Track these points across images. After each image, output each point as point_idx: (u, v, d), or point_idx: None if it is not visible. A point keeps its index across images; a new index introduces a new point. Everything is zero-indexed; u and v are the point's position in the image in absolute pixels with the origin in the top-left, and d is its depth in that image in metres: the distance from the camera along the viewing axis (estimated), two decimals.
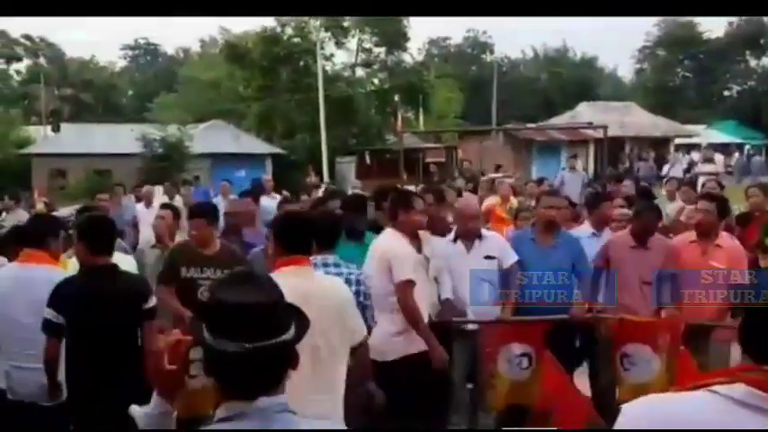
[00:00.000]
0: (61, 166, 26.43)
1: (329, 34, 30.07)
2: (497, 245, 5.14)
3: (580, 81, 51.86)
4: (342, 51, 31.72)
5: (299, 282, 2.86)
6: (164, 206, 6.83)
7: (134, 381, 3.66)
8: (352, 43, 31.78)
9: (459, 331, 4.94)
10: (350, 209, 5.24)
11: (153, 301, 3.78)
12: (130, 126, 27.50)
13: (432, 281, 4.77)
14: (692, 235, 5.26)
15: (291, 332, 1.60)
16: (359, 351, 3.35)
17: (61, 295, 3.56)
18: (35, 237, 4.10)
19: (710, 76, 48.70)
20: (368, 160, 26.82)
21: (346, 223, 5.11)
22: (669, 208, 8.50)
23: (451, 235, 5.20)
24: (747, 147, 34.17)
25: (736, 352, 4.78)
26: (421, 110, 31.62)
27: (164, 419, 1.79)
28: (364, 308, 3.67)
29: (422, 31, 58.11)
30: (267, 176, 14.55)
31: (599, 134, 21.62)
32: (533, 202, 6.93)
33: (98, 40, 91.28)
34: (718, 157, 23.68)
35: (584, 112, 31.70)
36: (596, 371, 5.29)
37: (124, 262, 4.41)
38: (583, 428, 4.56)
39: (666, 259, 5.04)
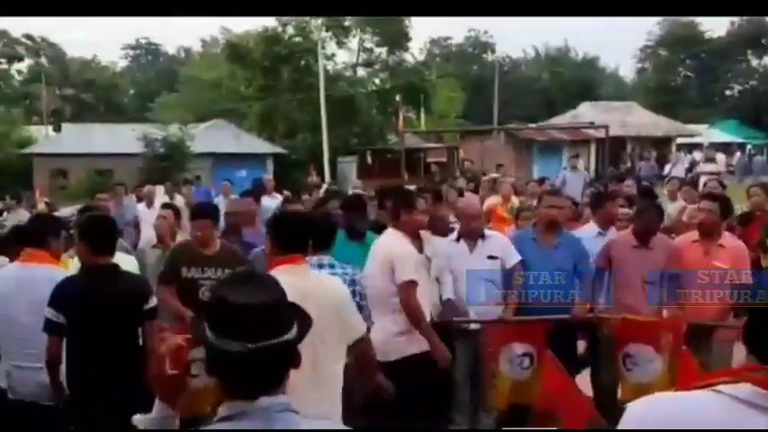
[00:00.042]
0: (62, 165, 26.46)
1: (330, 34, 30.08)
2: (500, 245, 5.12)
3: (582, 81, 51.86)
4: (343, 51, 31.81)
5: (296, 280, 2.85)
6: (165, 206, 6.83)
7: (134, 381, 3.66)
8: (353, 43, 31.84)
9: (461, 331, 4.94)
10: (349, 209, 5.24)
11: (154, 302, 3.77)
12: (132, 126, 27.54)
13: (433, 281, 4.76)
14: (694, 235, 5.25)
15: (294, 332, 1.60)
16: (360, 345, 3.35)
17: (62, 295, 3.55)
18: (36, 236, 4.09)
19: (712, 75, 48.69)
20: (369, 160, 26.81)
21: (346, 223, 5.12)
22: (671, 208, 8.49)
23: (454, 235, 5.19)
24: (749, 146, 34.16)
25: (738, 352, 4.78)
26: (422, 110, 31.61)
27: (166, 424, 1.79)
28: (360, 308, 3.66)
29: (423, 30, 58.08)
30: (268, 176, 14.56)
31: (600, 134, 21.62)
32: (535, 202, 6.93)
33: (99, 40, 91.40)
34: (720, 157, 23.68)
35: (586, 111, 31.68)
36: (598, 370, 5.28)
37: (126, 262, 4.41)
38: (584, 428, 4.56)
39: (669, 259, 5.03)
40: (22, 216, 8.94)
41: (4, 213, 10.51)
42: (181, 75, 48.64)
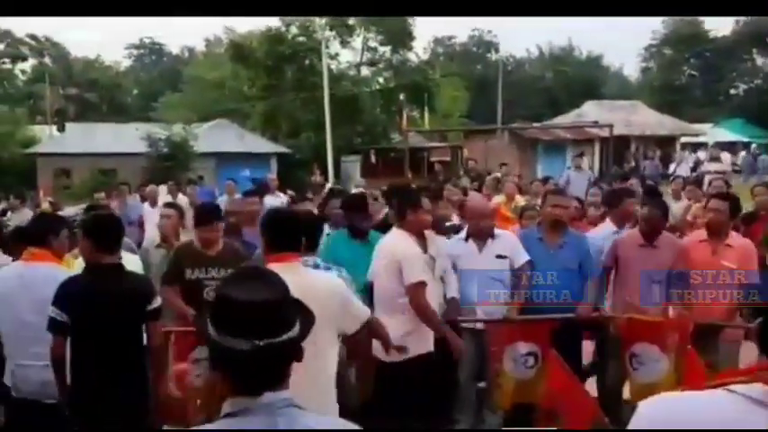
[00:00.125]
0: (66, 165, 26.51)
1: (334, 33, 30.08)
2: (510, 244, 5.09)
3: (586, 80, 51.81)
4: (347, 50, 31.80)
5: (291, 278, 2.84)
6: (168, 205, 6.82)
7: (138, 381, 3.66)
8: (357, 42, 31.83)
9: (466, 330, 4.92)
10: (350, 208, 5.22)
11: (157, 302, 3.76)
12: (135, 125, 27.58)
13: (438, 280, 4.74)
14: (702, 234, 5.22)
15: (297, 329, 1.60)
16: (369, 327, 3.35)
17: (66, 294, 3.54)
18: (36, 235, 4.10)
19: (717, 74, 48.58)
20: (373, 159, 26.83)
21: (348, 223, 5.10)
22: (675, 207, 8.45)
23: (463, 234, 5.17)
24: (753, 145, 34.06)
25: (745, 352, 4.77)
26: (426, 109, 31.58)
27: None
28: None
29: (427, 29, 58.53)
30: (272, 175, 14.54)
31: (605, 133, 21.62)
32: (539, 201, 6.90)
33: (103, 40, 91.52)
34: (726, 156, 23.63)
35: (590, 110, 31.66)
36: (604, 370, 5.26)
37: (130, 262, 4.40)
38: (589, 428, 4.54)
39: (676, 258, 5.00)
40: (25, 215, 8.96)
41: (9, 213, 10.54)
42: (184, 74, 48.70)
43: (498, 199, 9.28)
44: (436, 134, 30.95)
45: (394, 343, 3.94)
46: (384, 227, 5.06)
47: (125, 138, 25.53)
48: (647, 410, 1.42)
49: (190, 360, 4.32)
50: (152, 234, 7.18)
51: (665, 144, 30.49)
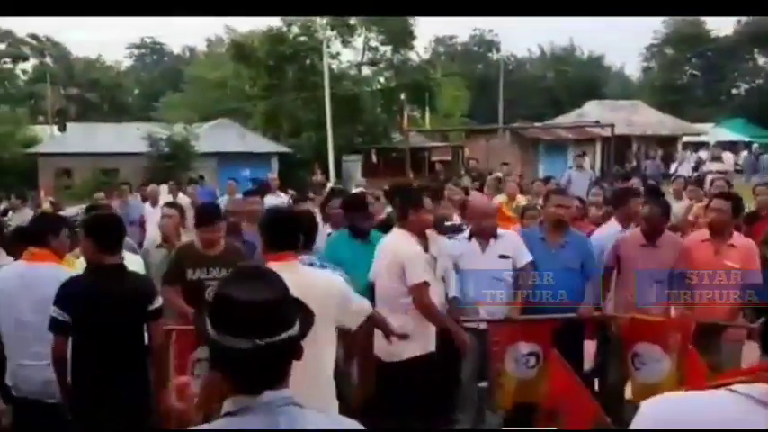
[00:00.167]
0: (67, 165, 26.49)
1: (335, 33, 30.08)
2: (513, 244, 5.08)
3: (587, 79, 51.77)
4: (348, 50, 31.76)
5: (290, 277, 2.84)
6: (169, 205, 6.82)
7: (139, 381, 3.66)
8: (358, 42, 31.82)
9: (468, 330, 4.91)
10: (350, 208, 5.21)
11: (159, 302, 3.76)
12: (136, 125, 27.56)
13: (439, 280, 4.74)
14: (704, 234, 5.21)
15: (297, 327, 1.61)
16: (370, 321, 3.37)
17: (68, 294, 3.54)
18: (36, 235, 4.11)
19: (718, 74, 48.55)
20: (374, 159, 26.80)
21: (348, 223, 5.09)
22: (676, 206, 8.43)
23: (466, 233, 5.16)
24: (755, 145, 34.03)
25: (748, 352, 4.76)
26: (427, 108, 31.55)
27: None
28: None
29: (428, 29, 58.20)
30: (273, 175, 14.53)
31: (606, 133, 21.61)
32: (540, 201, 6.89)
33: (104, 40, 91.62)
34: (728, 156, 23.59)
35: (592, 110, 31.63)
36: (605, 370, 5.25)
37: (132, 261, 4.40)
38: (590, 428, 4.53)
39: (678, 257, 4.99)
40: (27, 215, 8.96)
41: (10, 213, 10.55)
42: (185, 74, 48.66)
43: (500, 199, 9.27)
44: (437, 134, 30.90)
45: (395, 341, 3.95)
46: (387, 226, 5.05)
47: (126, 138, 25.52)
48: (650, 410, 1.42)
49: (191, 360, 4.32)
50: (153, 234, 7.17)
51: (667, 144, 30.46)
